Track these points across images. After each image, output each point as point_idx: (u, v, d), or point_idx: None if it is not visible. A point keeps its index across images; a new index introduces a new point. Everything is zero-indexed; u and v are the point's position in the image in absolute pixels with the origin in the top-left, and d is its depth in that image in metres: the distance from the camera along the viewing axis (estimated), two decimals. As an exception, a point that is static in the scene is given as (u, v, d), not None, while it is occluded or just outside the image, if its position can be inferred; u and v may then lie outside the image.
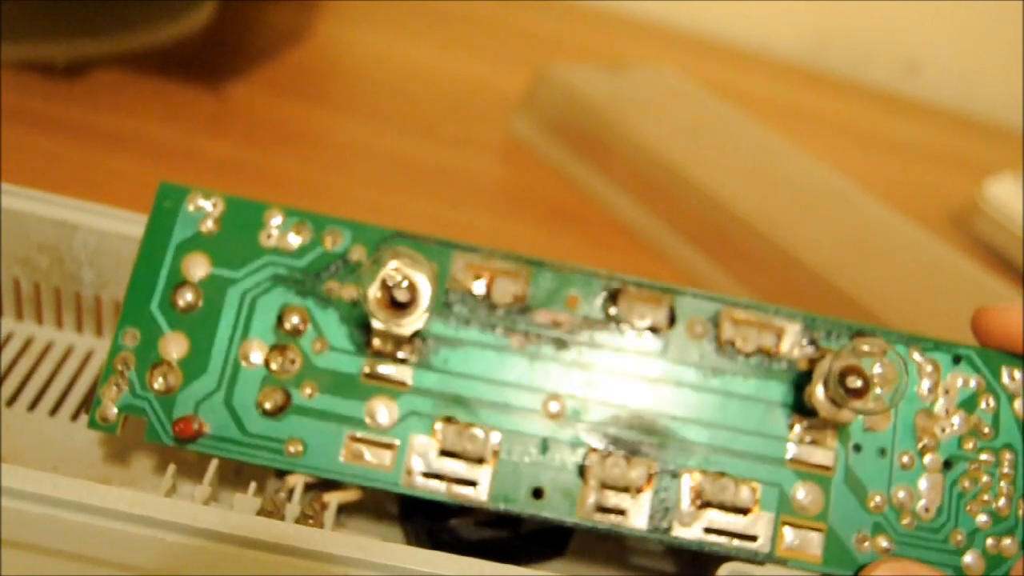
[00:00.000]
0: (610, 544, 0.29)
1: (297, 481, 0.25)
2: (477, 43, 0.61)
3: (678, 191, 0.47)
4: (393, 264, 0.23)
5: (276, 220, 0.26)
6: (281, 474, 0.26)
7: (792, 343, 0.26)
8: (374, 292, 0.24)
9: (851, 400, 0.24)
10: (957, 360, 0.26)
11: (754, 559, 0.25)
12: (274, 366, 0.25)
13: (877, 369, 0.24)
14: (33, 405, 0.29)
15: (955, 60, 0.74)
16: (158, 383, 0.25)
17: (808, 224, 0.46)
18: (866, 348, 0.24)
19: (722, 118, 0.55)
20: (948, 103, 0.73)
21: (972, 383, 0.26)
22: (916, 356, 0.26)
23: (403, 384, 0.25)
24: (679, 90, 0.56)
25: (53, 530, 0.23)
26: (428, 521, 0.27)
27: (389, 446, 0.25)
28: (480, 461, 0.25)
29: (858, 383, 0.24)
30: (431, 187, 0.48)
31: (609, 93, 0.52)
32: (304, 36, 0.56)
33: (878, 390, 0.24)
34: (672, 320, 0.26)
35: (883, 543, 0.25)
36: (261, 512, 0.25)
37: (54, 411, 0.29)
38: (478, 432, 0.25)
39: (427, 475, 0.25)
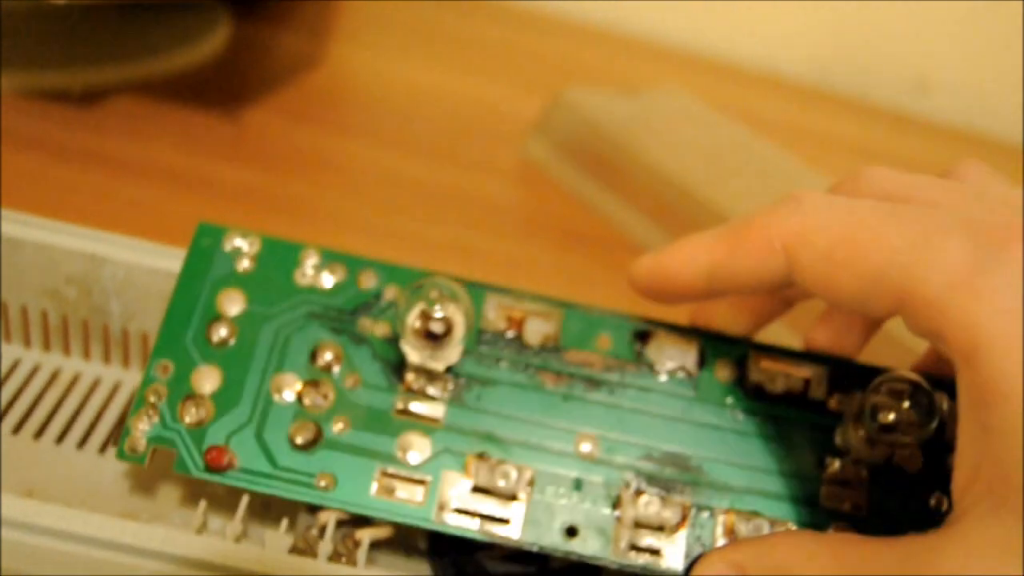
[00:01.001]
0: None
1: (329, 518, 0.25)
2: (491, 67, 0.61)
3: (693, 213, 0.47)
4: (434, 293, 0.24)
5: (312, 260, 0.27)
6: (313, 509, 0.26)
7: (820, 386, 0.26)
8: (412, 321, 0.24)
9: (884, 435, 0.24)
10: None
11: None
12: (306, 400, 0.25)
13: (907, 404, 0.24)
14: (61, 438, 0.29)
15: (965, 79, 0.74)
16: (189, 416, 0.25)
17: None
18: (894, 386, 0.24)
19: (735, 139, 0.55)
20: (958, 122, 0.73)
21: None
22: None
23: (435, 420, 0.25)
24: (692, 112, 0.56)
25: (85, 568, 0.23)
26: (455, 554, 0.27)
27: (421, 482, 0.25)
28: (513, 498, 0.25)
29: (891, 417, 0.24)
30: (447, 212, 0.48)
31: (623, 116, 0.52)
32: (317, 61, 0.56)
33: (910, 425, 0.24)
34: (702, 362, 0.27)
35: None
36: (294, 550, 0.25)
37: (82, 444, 0.29)
38: (511, 469, 0.25)
39: (459, 512, 0.24)
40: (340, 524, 0.26)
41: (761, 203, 0.47)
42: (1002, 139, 0.71)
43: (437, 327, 0.24)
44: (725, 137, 0.55)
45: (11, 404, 0.30)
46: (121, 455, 0.25)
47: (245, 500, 0.26)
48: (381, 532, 0.26)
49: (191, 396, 0.25)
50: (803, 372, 0.27)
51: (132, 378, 0.31)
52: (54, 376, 0.31)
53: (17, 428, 0.29)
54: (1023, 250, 0.19)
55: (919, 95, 0.74)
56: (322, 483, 0.24)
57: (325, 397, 0.25)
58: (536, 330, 0.27)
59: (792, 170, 0.52)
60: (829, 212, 0.22)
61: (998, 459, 0.19)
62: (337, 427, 0.25)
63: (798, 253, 0.22)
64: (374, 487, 0.25)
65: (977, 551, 0.19)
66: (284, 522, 0.25)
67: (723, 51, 0.72)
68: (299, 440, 0.25)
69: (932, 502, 0.25)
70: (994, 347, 0.19)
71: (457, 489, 0.25)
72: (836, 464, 0.25)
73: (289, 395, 0.25)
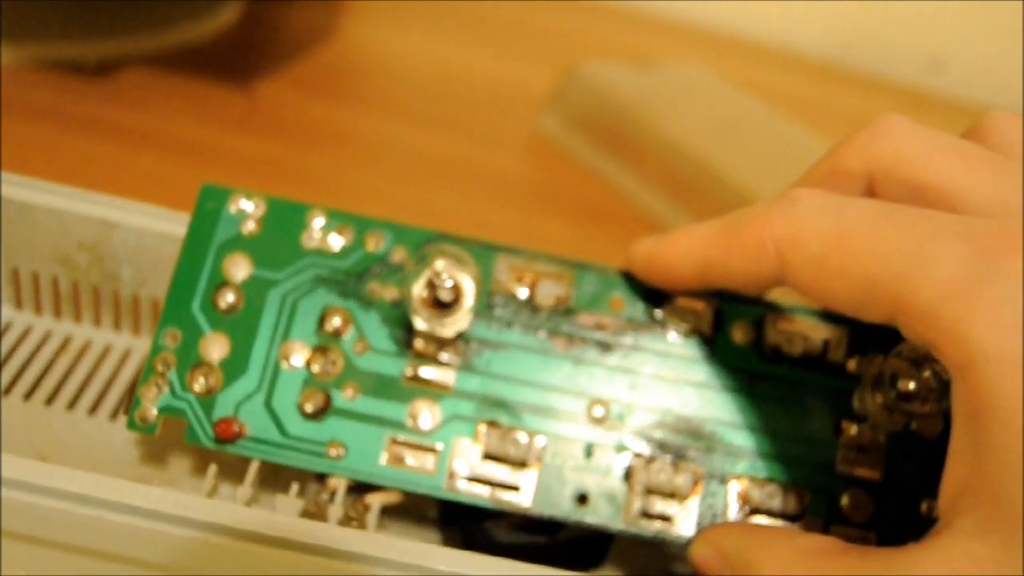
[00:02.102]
0: (651, 553, 0.29)
1: (340, 483, 0.25)
2: (505, 41, 0.61)
3: (707, 187, 0.47)
4: (440, 263, 0.23)
5: (318, 222, 0.26)
6: (322, 476, 0.26)
7: (839, 347, 0.26)
8: (419, 291, 0.24)
9: (903, 404, 0.24)
10: None
11: None
12: (315, 368, 0.25)
13: (927, 372, 0.23)
14: (72, 404, 0.29)
15: (980, 56, 0.74)
16: (198, 384, 0.25)
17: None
18: (915, 352, 0.23)
19: (750, 114, 0.54)
20: (973, 100, 0.72)
21: None
22: None
23: (445, 387, 0.25)
24: (707, 86, 0.56)
25: (96, 531, 0.23)
26: (465, 522, 0.27)
27: (431, 450, 0.25)
28: (523, 465, 0.24)
29: (910, 386, 0.23)
30: (460, 185, 0.47)
31: (637, 90, 0.52)
32: (331, 34, 0.56)
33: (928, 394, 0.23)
34: (717, 324, 0.26)
35: None
36: (304, 514, 0.25)
37: (93, 410, 0.29)
38: (522, 436, 0.25)
39: (470, 479, 0.24)
40: (350, 489, 0.26)
41: (775, 176, 0.47)
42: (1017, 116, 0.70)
43: (446, 295, 0.24)
44: (739, 111, 0.54)
45: (22, 371, 0.30)
46: (131, 425, 0.25)
47: (255, 465, 0.26)
48: (391, 497, 0.26)
49: (199, 364, 0.25)
50: (822, 333, 0.26)
51: (143, 345, 0.31)
52: (65, 343, 0.31)
53: (28, 395, 0.29)
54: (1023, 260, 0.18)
55: (934, 72, 0.74)
56: (332, 452, 0.24)
57: (334, 364, 0.25)
58: (548, 292, 0.26)
59: (807, 144, 0.52)
60: (823, 215, 0.21)
61: (988, 475, 0.18)
62: (346, 394, 0.25)
63: (791, 257, 0.21)
64: (384, 456, 0.24)
65: (957, 567, 0.18)
66: (294, 487, 0.25)
67: (738, 26, 0.71)
68: (308, 408, 0.25)
69: (923, 508, 0.25)
70: (988, 362, 0.18)
71: (468, 457, 0.25)
72: (853, 429, 0.25)
73: (298, 362, 0.25)
